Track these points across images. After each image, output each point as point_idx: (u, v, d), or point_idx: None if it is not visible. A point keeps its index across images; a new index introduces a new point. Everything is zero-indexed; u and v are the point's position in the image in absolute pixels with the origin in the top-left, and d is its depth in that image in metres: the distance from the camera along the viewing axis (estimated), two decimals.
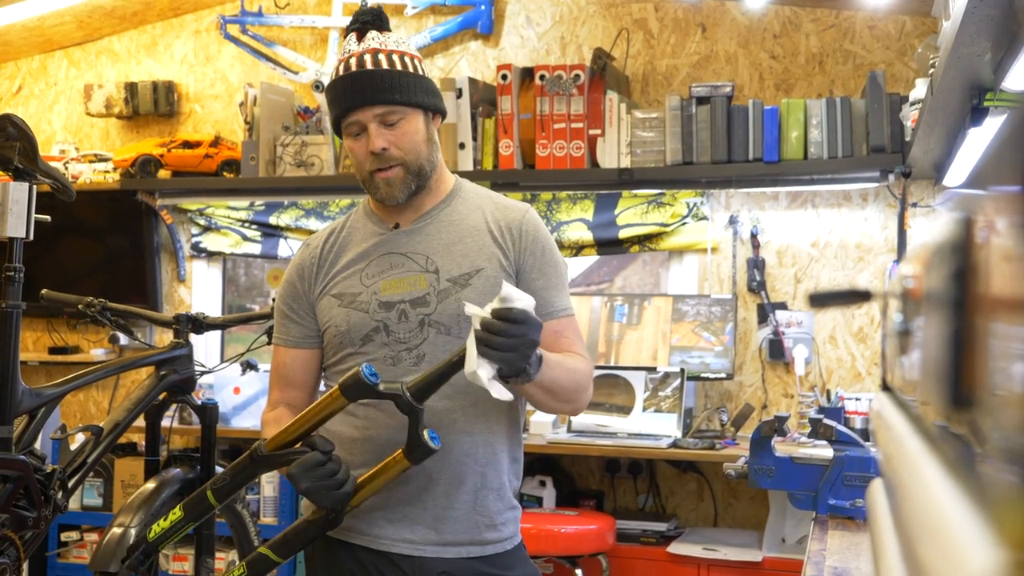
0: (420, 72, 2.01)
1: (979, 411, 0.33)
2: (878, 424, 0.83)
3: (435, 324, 1.94)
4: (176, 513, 2.00)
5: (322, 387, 2.08)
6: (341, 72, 1.99)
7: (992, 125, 2.19)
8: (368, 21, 2.03)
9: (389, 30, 2.05)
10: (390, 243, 2.01)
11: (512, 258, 1.99)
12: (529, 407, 2.29)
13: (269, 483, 4.05)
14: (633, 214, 4.10)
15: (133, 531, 2.60)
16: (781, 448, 3.08)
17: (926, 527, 0.38)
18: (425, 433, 1.73)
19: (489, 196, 2.09)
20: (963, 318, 0.37)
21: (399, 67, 1.97)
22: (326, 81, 4.38)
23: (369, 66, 1.96)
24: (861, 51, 3.99)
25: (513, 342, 1.66)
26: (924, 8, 3.70)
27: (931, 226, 3.85)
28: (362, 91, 1.95)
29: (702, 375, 3.94)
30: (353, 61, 1.97)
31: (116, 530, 2.59)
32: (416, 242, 2.00)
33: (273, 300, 2.83)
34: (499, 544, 1.95)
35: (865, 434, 3.02)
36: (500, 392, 1.71)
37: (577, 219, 4.15)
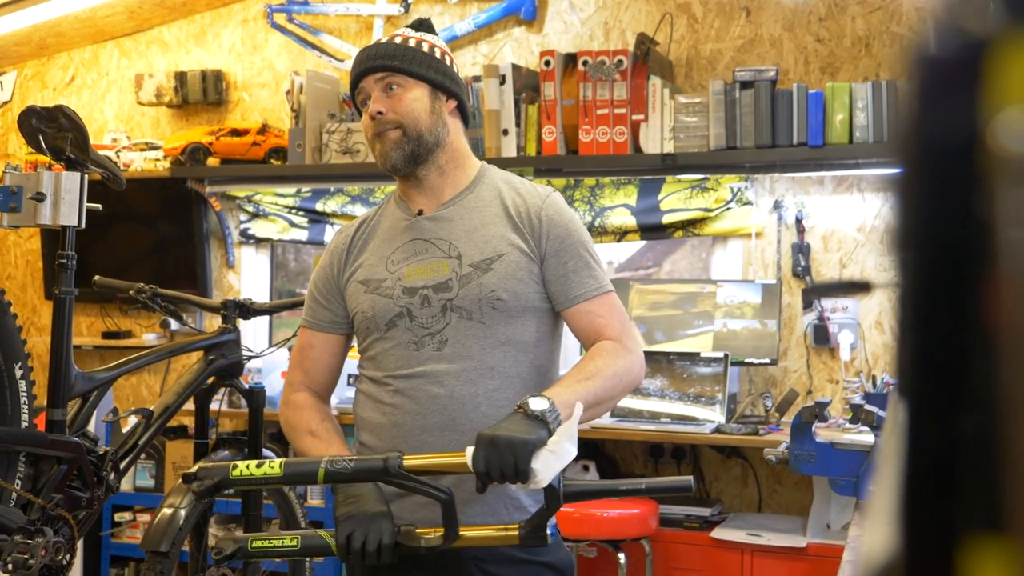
0: (437, 56, 2.04)
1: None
2: (889, 410, 0.86)
3: (457, 309, 1.95)
4: (291, 542, 1.92)
5: (355, 370, 2.11)
6: None
7: None
8: (413, 25, 2.12)
9: (431, 33, 2.11)
10: (414, 229, 2.04)
11: (533, 245, 1.99)
12: None
13: None
14: (677, 199, 4.10)
15: (183, 512, 2.68)
16: (823, 434, 3.08)
17: (873, 510, 0.41)
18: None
19: (511, 182, 2.09)
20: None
21: (412, 45, 2.03)
22: None
23: (383, 42, 2.05)
24: (909, 33, 3.96)
25: (502, 474, 1.70)
26: None
27: None
28: (367, 60, 2.02)
29: (746, 360, 3.95)
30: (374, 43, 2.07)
31: (167, 511, 2.66)
32: (439, 228, 2.02)
33: None
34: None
35: None
36: (560, 458, 1.75)
37: (620, 204, 4.16)
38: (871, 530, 0.33)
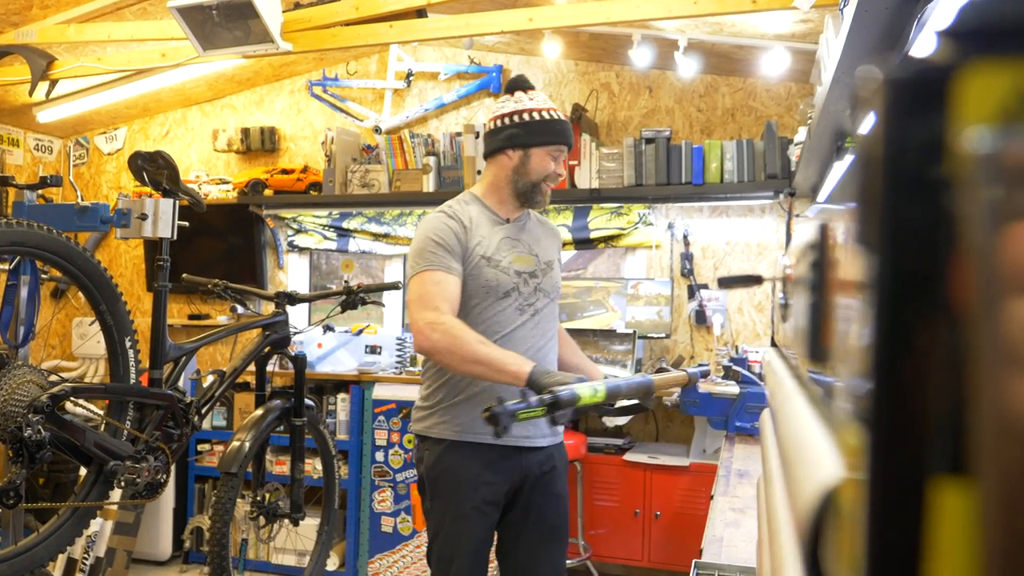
0: None
1: (827, 360, 0.34)
2: (767, 370, 0.84)
3: (541, 290, 2.08)
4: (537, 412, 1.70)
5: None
6: (544, 117, 2.03)
7: (848, 160, 2.19)
8: (523, 84, 2.09)
9: (533, 88, 2.11)
10: (508, 230, 2.09)
11: (560, 258, 2.21)
12: None
13: (343, 410, 4.05)
14: (600, 221, 4.08)
15: (247, 444, 2.61)
16: (703, 386, 3.09)
17: (794, 442, 0.39)
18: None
19: (534, 213, 2.22)
20: (818, 295, 0.37)
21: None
22: (384, 127, 4.39)
23: (559, 118, 2.05)
24: (761, 107, 3.97)
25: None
26: (804, 77, 3.70)
27: (804, 230, 3.84)
28: (566, 134, 2.05)
29: (649, 335, 3.94)
30: (546, 113, 2.04)
31: (235, 443, 2.60)
32: (522, 234, 2.12)
33: (346, 282, 2.81)
34: (560, 435, 2.13)
35: (761, 376, 3.02)
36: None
37: (561, 224, 4.13)
38: (807, 474, 0.30)
